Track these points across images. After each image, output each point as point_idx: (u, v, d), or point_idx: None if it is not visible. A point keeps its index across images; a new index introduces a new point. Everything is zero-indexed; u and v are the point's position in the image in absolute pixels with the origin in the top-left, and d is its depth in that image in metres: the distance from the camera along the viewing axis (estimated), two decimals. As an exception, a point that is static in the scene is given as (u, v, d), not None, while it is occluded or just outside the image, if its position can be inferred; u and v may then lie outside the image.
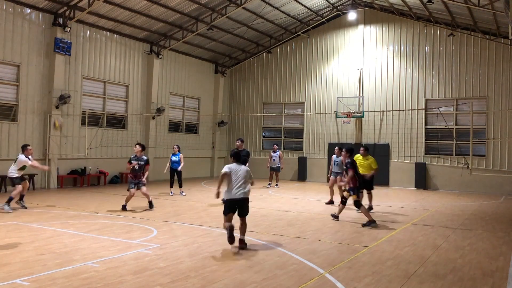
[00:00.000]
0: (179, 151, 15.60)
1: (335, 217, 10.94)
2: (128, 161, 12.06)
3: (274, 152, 20.15)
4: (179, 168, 15.35)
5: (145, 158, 11.98)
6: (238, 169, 7.87)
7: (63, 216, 10.53)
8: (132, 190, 11.71)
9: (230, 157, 8.20)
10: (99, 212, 11.35)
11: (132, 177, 11.86)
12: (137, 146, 12.08)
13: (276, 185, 19.91)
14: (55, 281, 5.61)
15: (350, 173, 10.43)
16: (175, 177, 15.50)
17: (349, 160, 10.69)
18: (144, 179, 11.92)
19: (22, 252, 7.01)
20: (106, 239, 8.12)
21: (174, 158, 15.44)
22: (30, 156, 11.78)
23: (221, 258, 6.98)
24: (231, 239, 7.51)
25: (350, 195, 10.50)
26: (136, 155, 11.93)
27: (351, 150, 11.03)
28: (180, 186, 15.72)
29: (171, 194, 15.53)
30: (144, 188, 11.85)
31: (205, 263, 6.67)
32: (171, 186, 15.69)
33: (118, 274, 5.96)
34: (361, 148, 13.18)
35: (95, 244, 7.64)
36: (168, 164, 15.58)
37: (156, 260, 6.76)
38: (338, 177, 13.90)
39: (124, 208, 11.67)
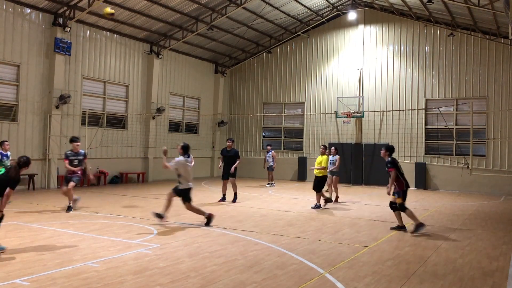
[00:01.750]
0: None
1: (400, 227, 9.70)
2: (64, 158, 11.58)
3: (268, 152, 20.43)
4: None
5: (82, 152, 11.69)
6: (186, 162, 9.98)
7: (63, 216, 10.53)
8: (64, 188, 11.44)
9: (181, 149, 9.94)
10: (99, 212, 11.35)
11: (70, 173, 11.45)
12: (78, 142, 11.61)
13: (273, 183, 20.21)
14: (55, 281, 5.60)
15: (392, 174, 9.37)
16: None
17: (390, 159, 9.59)
18: (79, 173, 11.51)
19: (22, 252, 7.00)
20: (106, 239, 8.11)
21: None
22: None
23: (221, 258, 6.98)
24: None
25: (396, 199, 9.52)
26: (72, 151, 11.52)
27: (392, 148, 9.84)
28: None
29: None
30: (70, 185, 11.20)
31: (205, 263, 6.66)
32: None
33: (118, 274, 5.95)
34: (323, 146, 13.42)
35: (95, 244, 7.64)
36: None
37: (156, 260, 6.76)
38: (334, 176, 14.44)
39: (69, 209, 11.24)
